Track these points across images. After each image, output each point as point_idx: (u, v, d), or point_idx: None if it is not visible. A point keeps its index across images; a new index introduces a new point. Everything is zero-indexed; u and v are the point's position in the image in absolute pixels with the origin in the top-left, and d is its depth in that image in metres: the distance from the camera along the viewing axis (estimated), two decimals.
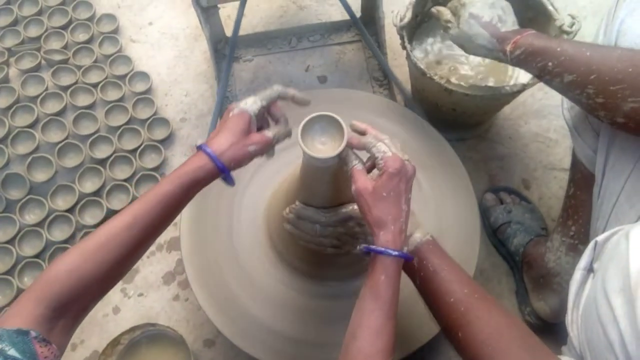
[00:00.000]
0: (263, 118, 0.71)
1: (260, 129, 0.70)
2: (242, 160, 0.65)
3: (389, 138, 0.65)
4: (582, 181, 0.85)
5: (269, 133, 0.67)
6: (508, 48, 0.77)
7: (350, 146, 0.66)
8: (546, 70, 0.71)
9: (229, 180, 0.66)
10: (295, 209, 0.78)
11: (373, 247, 0.61)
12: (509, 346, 0.55)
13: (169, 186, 0.61)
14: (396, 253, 0.60)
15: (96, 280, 0.56)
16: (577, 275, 0.71)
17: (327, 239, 0.78)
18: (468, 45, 0.84)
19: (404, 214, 0.62)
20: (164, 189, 0.61)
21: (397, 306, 0.60)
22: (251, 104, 0.67)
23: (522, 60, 0.75)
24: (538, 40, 0.73)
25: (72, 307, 0.55)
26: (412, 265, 0.66)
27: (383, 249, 0.60)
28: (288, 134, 0.71)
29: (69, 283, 0.54)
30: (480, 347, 0.56)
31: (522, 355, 0.54)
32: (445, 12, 0.88)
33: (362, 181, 0.63)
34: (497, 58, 0.81)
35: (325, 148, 0.66)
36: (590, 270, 0.71)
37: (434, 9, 0.91)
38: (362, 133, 0.67)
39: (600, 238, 0.68)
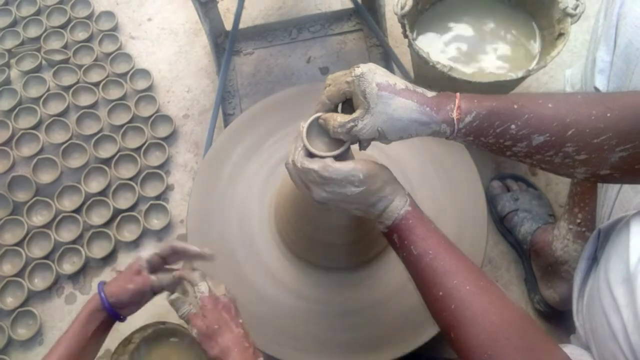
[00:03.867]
0: (160, 267, 0.79)
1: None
2: (120, 295, 0.73)
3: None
4: None
5: (152, 276, 0.75)
6: (454, 116, 0.56)
7: (183, 279, 0.75)
8: (507, 135, 0.56)
9: (116, 317, 0.75)
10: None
11: None
12: (504, 351, 0.51)
13: (73, 325, 0.72)
14: None
15: None
16: (582, 264, 0.71)
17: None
18: (390, 127, 0.58)
19: (240, 334, 0.68)
20: (70, 329, 0.72)
21: None
22: (147, 250, 0.78)
23: (474, 128, 0.57)
24: (486, 101, 0.57)
25: None
26: (392, 240, 0.61)
27: None
28: (174, 286, 0.77)
29: None
30: (473, 352, 0.52)
31: (519, 358, 0.50)
32: (333, 117, 0.61)
33: (199, 324, 0.69)
34: (437, 132, 0.58)
35: (327, 147, 0.65)
36: (594, 259, 0.71)
37: (320, 120, 0.63)
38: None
39: (603, 227, 0.68)
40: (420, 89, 0.58)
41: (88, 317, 0.73)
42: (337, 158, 0.63)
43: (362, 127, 0.58)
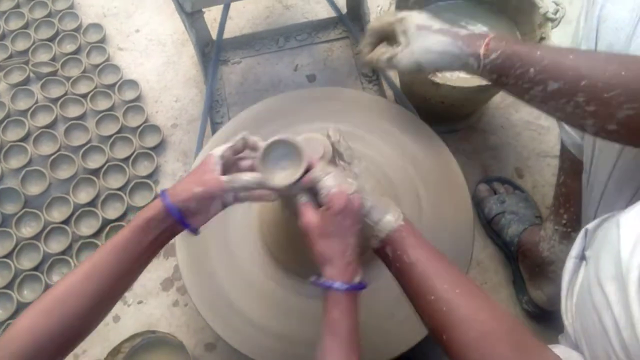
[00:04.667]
0: (234, 164, 0.67)
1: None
2: (186, 199, 0.61)
3: (343, 167, 0.66)
4: (571, 169, 0.85)
5: (224, 177, 0.62)
6: (481, 51, 0.65)
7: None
8: (526, 78, 0.62)
9: (187, 227, 0.63)
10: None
11: (321, 281, 0.60)
12: (496, 349, 0.53)
13: (124, 230, 0.61)
14: (345, 287, 0.59)
15: (57, 335, 0.56)
16: (570, 263, 0.71)
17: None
18: (426, 58, 0.70)
19: (350, 248, 0.61)
20: (120, 235, 0.60)
21: (358, 338, 0.59)
22: (219, 147, 0.65)
23: (497, 65, 0.64)
24: (514, 44, 0.64)
25: None
26: (386, 254, 0.63)
27: (330, 283, 0.59)
28: (250, 189, 0.65)
29: (30, 340, 0.54)
30: (466, 351, 0.54)
31: (510, 356, 0.52)
32: (378, 52, 0.76)
33: (309, 216, 0.62)
34: (466, 65, 0.68)
35: (285, 174, 0.64)
36: (582, 258, 0.71)
37: (367, 59, 0.79)
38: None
39: (590, 226, 0.69)
40: (455, 29, 0.69)
41: (145, 225, 0.60)
42: (295, 184, 0.63)
43: (401, 58, 0.72)
